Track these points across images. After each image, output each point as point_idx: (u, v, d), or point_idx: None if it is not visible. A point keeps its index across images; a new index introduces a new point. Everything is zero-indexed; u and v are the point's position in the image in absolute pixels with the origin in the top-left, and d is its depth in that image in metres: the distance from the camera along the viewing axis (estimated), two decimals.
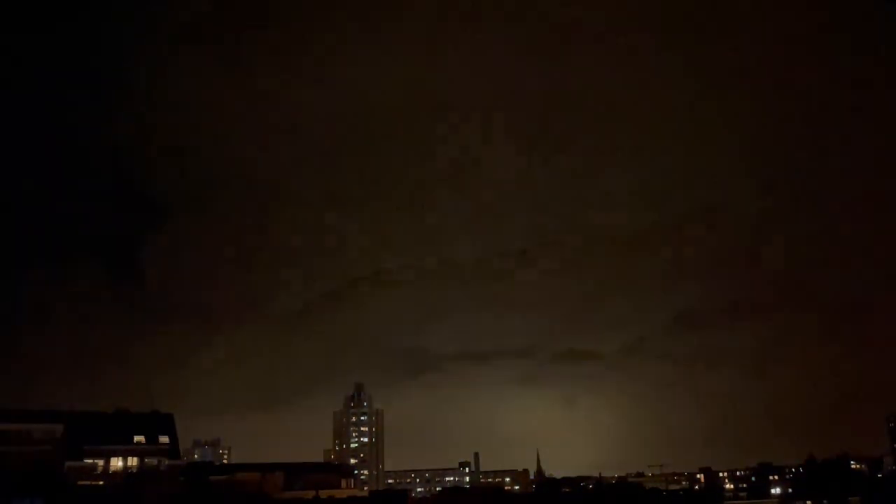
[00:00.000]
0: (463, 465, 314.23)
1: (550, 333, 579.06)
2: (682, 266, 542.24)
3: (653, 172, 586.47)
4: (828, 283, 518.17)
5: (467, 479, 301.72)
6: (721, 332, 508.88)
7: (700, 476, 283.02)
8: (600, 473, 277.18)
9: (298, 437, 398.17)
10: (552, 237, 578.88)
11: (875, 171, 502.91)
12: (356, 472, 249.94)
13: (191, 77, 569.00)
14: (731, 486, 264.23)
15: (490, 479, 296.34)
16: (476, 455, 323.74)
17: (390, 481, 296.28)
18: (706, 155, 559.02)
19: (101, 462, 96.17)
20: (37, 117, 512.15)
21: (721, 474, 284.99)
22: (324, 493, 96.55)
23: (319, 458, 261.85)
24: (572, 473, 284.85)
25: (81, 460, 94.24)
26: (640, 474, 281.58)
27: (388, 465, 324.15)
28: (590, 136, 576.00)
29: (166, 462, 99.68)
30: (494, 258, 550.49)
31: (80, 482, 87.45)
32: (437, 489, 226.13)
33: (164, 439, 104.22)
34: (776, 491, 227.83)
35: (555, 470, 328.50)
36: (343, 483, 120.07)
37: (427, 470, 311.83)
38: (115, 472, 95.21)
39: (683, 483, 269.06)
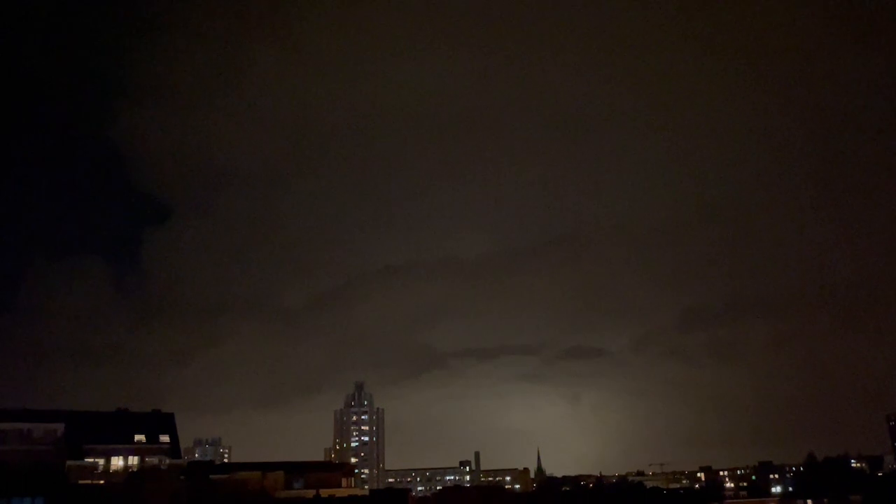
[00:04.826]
0: (463, 463, 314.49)
1: (557, 330, 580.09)
2: (689, 263, 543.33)
3: (659, 170, 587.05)
4: (832, 283, 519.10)
5: (468, 477, 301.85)
6: (726, 329, 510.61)
7: (700, 475, 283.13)
8: (601, 472, 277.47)
9: (299, 436, 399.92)
10: (559, 234, 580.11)
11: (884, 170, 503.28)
12: (357, 470, 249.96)
13: (191, 77, 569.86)
14: (732, 485, 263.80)
15: (490, 478, 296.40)
16: (476, 454, 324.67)
17: (391, 480, 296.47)
18: (714, 151, 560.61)
19: (101, 461, 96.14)
20: (38, 117, 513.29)
21: (721, 473, 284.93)
22: (324, 492, 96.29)
23: (320, 457, 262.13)
24: (573, 472, 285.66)
25: (82, 459, 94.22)
26: (641, 473, 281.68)
27: (389, 464, 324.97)
28: (594, 136, 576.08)
29: (167, 461, 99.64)
30: (500, 255, 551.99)
31: (80, 481, 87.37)
32: (438, 488, 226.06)
33: (165, 438, 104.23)
34: (777, 489, 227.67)
35: (555, 469, 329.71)
36: (343, 482, 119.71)
37: (427, 469, 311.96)
38: (116, 472, 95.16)
39: (684, 482, 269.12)
